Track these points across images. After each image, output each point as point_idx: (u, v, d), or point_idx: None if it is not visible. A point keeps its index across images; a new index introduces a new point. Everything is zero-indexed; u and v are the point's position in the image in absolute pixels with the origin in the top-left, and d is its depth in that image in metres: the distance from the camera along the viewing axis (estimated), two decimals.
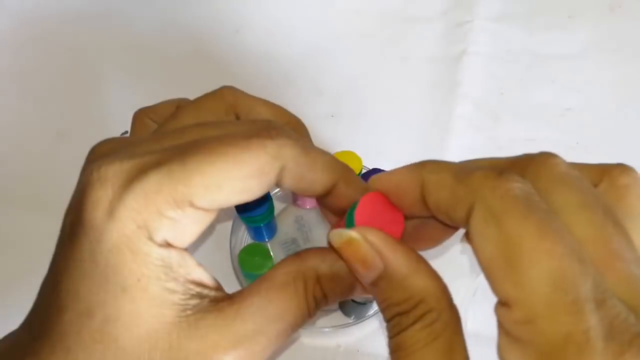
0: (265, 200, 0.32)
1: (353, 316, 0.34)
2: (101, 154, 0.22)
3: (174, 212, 0.19)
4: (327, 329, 0.34)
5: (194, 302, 0.20)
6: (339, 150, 0.37)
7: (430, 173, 0.19)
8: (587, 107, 0.46)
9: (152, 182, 0.19)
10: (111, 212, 0.19)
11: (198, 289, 0.21)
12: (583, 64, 0.48)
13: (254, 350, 0.20)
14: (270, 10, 0.52)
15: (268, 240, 0.36)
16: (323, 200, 0.24)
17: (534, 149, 0.19)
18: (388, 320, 0.19)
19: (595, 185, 0.19)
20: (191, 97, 0.31)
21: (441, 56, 0.49)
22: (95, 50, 0.50)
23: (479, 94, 0.46)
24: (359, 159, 0.36)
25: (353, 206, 0.21)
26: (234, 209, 0.33)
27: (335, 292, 0.22)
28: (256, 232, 0.36)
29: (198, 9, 0.53)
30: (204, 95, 0.28)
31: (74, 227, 0.20)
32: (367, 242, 0.19)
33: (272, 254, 0.35)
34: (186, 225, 0.20)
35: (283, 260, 0.22)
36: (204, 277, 0.21)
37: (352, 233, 0.20)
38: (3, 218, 0.40)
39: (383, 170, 0.34)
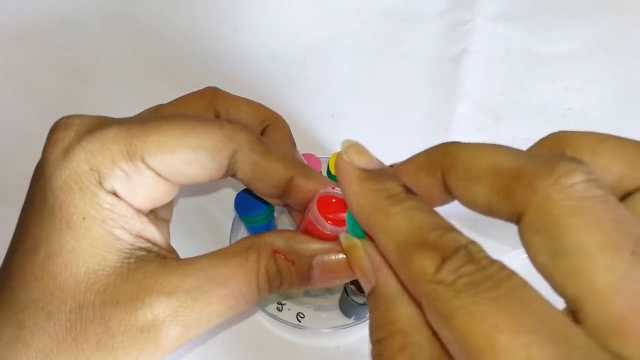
0: (265, 200, 0.32)
1: (353, 317, 0.34)
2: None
3: (126, 164, 0.20)
4: (327, 330, 0.34)
5: (140, 253, 0.21)
6: (339, 150, 0.37)
7: (366, 252, 0.18)
8: (588, 106, 0.46)
9: (111, 132, 0.21)
10: (67, 151, 0.20)
11: (148, 245, 0.21)
12: (584, 64, 0.48)
13: (190, 306, 0.20)
14: (270, 9, 0.52)
15: None
16: (286, 200, 0.24)
17: None
18: (373, 343, 0.17)
19: (628, 194, 0.15)
20: None
21: (441, 56, 0.49)
22: (95, 50, 0.50)
23: (480, 94, 0.46)
24: None
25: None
26: (234, 208, 0.33)
27: (290, 270, 0.22)
28: (256, 233, 0.36)
29: (197, 8, 0.53)
30: (187, 94, 0.29)
31: (35, 171, 0.22)
32: (366, 253, 0.19)
33: None
34: (137, 185, 0.21)
35: (243, 237, 0.23)
36: (157, 237, 0.22)
37: (356, 240, 0.19)
38: (2, 218, 0.40)
39: None
